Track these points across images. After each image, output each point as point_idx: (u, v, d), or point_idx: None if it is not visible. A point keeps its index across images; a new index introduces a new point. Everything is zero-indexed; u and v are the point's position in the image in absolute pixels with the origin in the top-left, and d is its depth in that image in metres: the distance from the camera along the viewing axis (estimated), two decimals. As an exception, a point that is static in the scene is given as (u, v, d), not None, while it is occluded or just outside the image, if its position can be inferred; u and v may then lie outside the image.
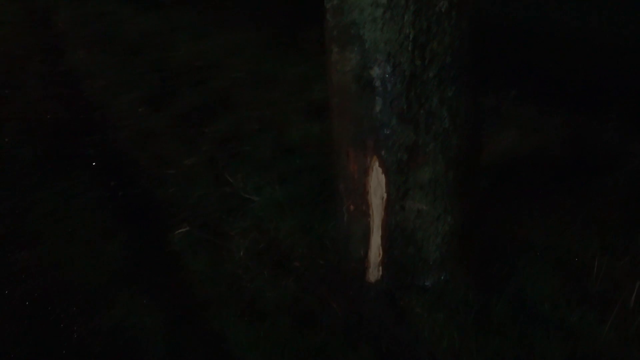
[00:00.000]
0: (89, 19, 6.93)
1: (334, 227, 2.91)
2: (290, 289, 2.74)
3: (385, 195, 2.52)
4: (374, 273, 2.62)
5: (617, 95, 4.55)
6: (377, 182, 2.52)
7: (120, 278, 2.96)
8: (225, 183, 3.59)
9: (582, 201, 3.18)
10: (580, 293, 2.54)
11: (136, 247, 3.18)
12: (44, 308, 2.82)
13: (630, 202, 3.17)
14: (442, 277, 2.58)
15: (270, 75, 5.21)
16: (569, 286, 2.57)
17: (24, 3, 8.33)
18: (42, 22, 7.25)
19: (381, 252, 2.58)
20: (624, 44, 5.29)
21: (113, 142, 4.40)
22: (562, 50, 5.33)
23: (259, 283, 2.80)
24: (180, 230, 3.21)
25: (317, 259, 2.87)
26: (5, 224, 3.44)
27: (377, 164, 2.50)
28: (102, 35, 6.38)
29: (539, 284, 2.56)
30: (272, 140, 4.04)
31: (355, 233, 2.66)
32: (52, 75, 5.74)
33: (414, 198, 2.51)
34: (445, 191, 2.51)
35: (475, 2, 2.50)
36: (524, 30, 5.45)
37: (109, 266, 3.03)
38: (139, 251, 3.16)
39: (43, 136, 4.52)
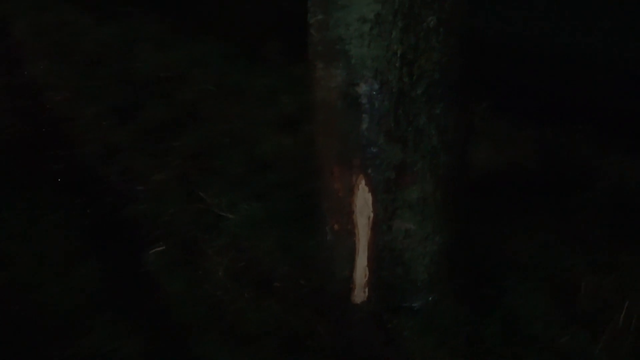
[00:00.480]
0: (49, 29, 6.75)
1: (315, 246, 2.84)
2: (273, 311, 2.66)
3: (372, 214, 2.46)
4: (360, 294, 2.57)
5: (589, 108, 4.57)
6: (363, 201, 2.46)
7: (94, 301, 2.84)
8: (198, 199, 3.49)
9: (562, 217, 3.16)
10: (570, 312, 2.52)
11: (109, 268, 3.07)
12: (13, 335, 2.69)
13: (609, 218, 3.16)
14: (431, 299, 2.54)
15: (238, 87, 5.13)
16: (559, 305, 2.54)
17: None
18: (1, 32, 7.05)
19: (367, 273, 2.52)
20: (595, 57, 5.32)
21: (78, 157, 4.27)
22: (533, 62, 5.35)
23: (240, 305, 2.72)
24: (155, 250, 3.11)
25: (300, 279, 2.80)
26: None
27: (363, 182, 2.45)
28: (63, 46, 6.21)
29: (529, 304, 2.53)
30: (244, 155, 3.95)
31: (340, 253, 2.60)
32: (11, 87, 5.56)
33: (402, 217, 2.46)
34: (433, 210, 2.47)
35: (464, 18, 2.47)
36: (495, 43, 5.45)
37: (81, 289, 2.91)
38: (112, 272, 3.05)
39: (3, 152, 4.36)
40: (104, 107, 4.86)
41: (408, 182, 2.43)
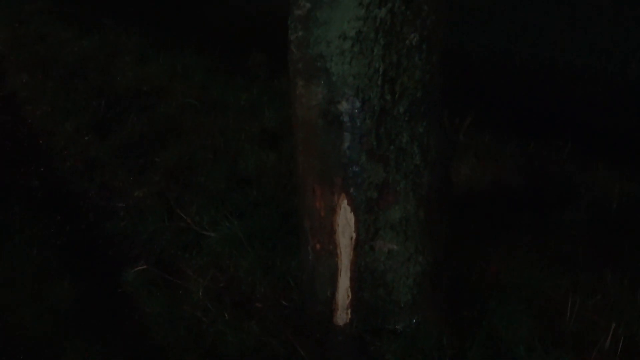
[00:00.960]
0: (29, 41, 6.69)
1: (296, 266, 2.79)
2: (253, 332, 2.61)
3: (354, 234, 2.42)
4: (342, 316, 2.52)
5: (572, 123, 4.57)
6: (345, 221, 2.42)
7: (68, 323, 2.77)
8: (178, 217, 3.43)
9: (545, 235, 3.14)
10: (555, 334, 2.48)
11: (84, 288, 3.00)
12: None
13: (592, 237, 3.13)
14: (414, 321, 2.49)
15: (220, 100, 5.07)
16: (543, 327, 2.50)
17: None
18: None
19: (350, 294, 2.48)
20: (578, 72, 5.34)
21: (57, 172, 4.21)
22: (515, 77, 5.35)
23: (219, 326, 2.66)
24: (135, 269, 3.05)
25: (281, 299, 2.75)
26: None
27: (345, 202, 2.40)
28: (43, 59, 6.15)
29: (512, 325, 2.49)
30: (226, 171, 3.90)
31: (321, 274, 2.55)
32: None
33: (384, 238, 2.41)
34: (416, 230, 2.43)
35: (446, 35, 2.44)
36: (478, 57, 5.46)
37: (55, 310, 2.83)
38: (87, 292, 2.98)
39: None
40: (84, 121, 4.79)
41: (390, 201, 2.39)
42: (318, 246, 2.53)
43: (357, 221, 2.40)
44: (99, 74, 5.70)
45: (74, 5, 8.27)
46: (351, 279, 2.46)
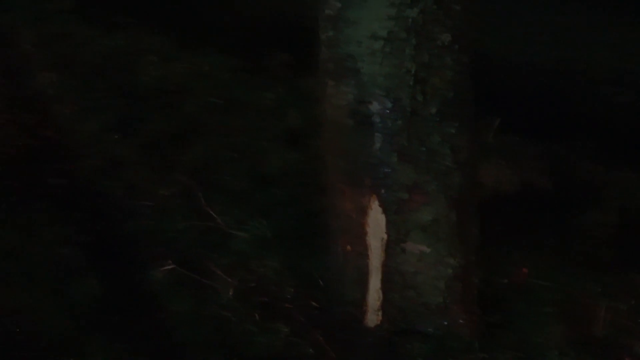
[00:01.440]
0: (53, 40, 6.71)
1: (325, 267, 2.78)
2: (283, 333, 2.60)
3: (384, 236, 2.41)
4: (373, 318, 2.51)
5: (597, 124, 4.53)
6: (375, 223, 2.41)
7: (93, 321, 2.74)
8: (205, 216, 3.43)
9: (572, 237, 3.12)
10: (586, 340, 2.46)
11: (110, 287, 2.99)
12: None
13: (621, 239, 3.11)
14: (445, 323, 2.48)
15: (243, 100, 5.07)
16: (574, 332, 2.48)
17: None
18: (4, 42, 7.00)
19: (380, 296, 2.47)
20: (604, 73, 5.30)
21: (82, 171, 4.21)
22: (540, 78, 5.32)
23: (248, 326, 2.65)
24: (162, 268, 3.04)
25: (310, 300, 2.74)
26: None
27: (375, 203, 2.40)
28: (66, 57, 6.16)
29: (543, 330, 2.47)
30: (250, 170, 3.89)
31: (351, 275, 2.54)
32: (14, 98, 5.51)
33: (415, 239, 2.40)
34: (447, 232, 2.42)
35: (476, 35, 2.42)
36: (502, 59, 5.42)
37: (79, 308, 2.80)
38: (112, 291, 2.97)
39: (2, 165, 4.28)
40: (108, 120, 4.79)
41: (421, 203, 2.38)
42: (348, 247, 2.53)
43: (387, 222, 2.40)
44: (123, 73, 5.71)
45: (97, 4, 8.28)
46: (382, 281, 2.45)
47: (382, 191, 2.37)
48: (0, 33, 7.51)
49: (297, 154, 3.97)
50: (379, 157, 2.35)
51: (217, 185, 3.78)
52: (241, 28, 7.33)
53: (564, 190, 3.61)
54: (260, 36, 6.82)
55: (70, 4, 8.15)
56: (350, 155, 2.44)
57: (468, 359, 2.35)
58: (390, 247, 2.41)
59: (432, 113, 2.33)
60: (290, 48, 5.61)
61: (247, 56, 6.03)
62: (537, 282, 2.71)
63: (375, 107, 2.34)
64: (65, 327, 2.72)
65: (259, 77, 5.48)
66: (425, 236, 2.40)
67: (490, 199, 3.30)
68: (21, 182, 4.03)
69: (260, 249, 3.05)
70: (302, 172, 3.75)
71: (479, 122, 2.46)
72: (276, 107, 4.80)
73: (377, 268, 2.45)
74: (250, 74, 5.62)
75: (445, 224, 2.41)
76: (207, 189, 3.74)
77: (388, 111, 2.32)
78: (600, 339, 2.46)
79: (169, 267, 3.03)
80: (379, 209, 2.39)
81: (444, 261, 2.43)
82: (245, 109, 4.92)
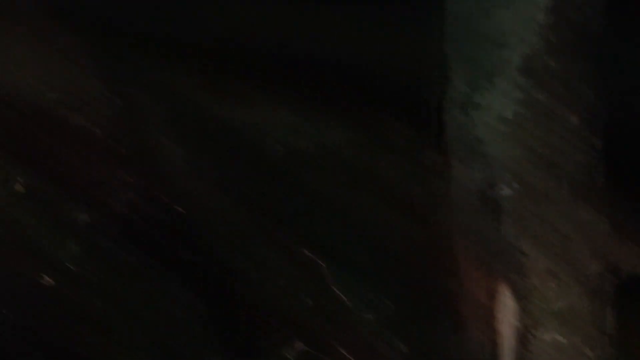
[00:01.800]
0: (184, 117, 7.02)
1: (454, 351, 2.73)
2: None
3: (516, 323, 2.35)
4: (505, 407, 2.44)
5: None
6: (506, 310, 2.36)
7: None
8: (330, 294, 3.44)
9: None
10: None
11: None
12: None
13: None
14: (586, 418, 2.38)
15: (367, 175, 5.10)
16: None
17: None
18: (138, 119, 7.38)
19: (512, 386, 2.40)
20: None
21: (205, 243, 4.33)
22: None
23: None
24: (294, 348, 3.06)
25: (438, 387, 2.69)
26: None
27: (506, 289, 2.35)
28: (196, 133, 6.42)
29: None
30: (376, 248, 3.89)
31: (481, 362, 2.49)
32: (149, 175, 5.77)
33: (548, 327, 2.33)
34: (581, 321, 2.33)
35: (609, 116, 2.37)
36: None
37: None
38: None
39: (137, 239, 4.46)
40: (233, 196, 4.94)
41: (554, 289, 2.31)
42: (477, 333, 2.48)
43: (518, 309, 2.34)
44: (251, 150, 5.87)
45: (223, 77, 8.60)
46: (514, 369, 2.39)
47: (513, 277, 2.33)
48: (135, 110, 7.93)
49: (423, 233, 3.94)
50: (509, 242, 2.32)
51: (342, 262, 3.80)
52: (365, 100, 7.44)
53: None
54: (384, 109, 6.91)
55: (197, 80, 8.53)
56: (478, 239, 2.41)
57: None
58: (522, 335, 2.35)
59: (564, 197, 2.28)
60: (413, 122, 5.66)
61: (369, 128, 6.11)
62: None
63: (505, 191, 2.31)
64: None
65: (378, 151, 5.52)
66: (557, 324, 2.33)
67: (629, 286, 3.16)
68: (154, 257, 4.19)
69: (387, 331, 3.02)
70: (428, 252, 3.72)
71: (615, 207, 2.38)
72: (400, 183, 4.80)
73: (509, 356, 2.38)
74: (373, 146, 5.68)
75: (579, 312, 2.33)
76: (332, 265, 3.77)
77: (518, 195, 2.29)
78: None
79: (304, 349, 3.05)
80: (510, 296, 2.34)
81: (579, 351, 2.35)
82: (369, 183, 4.96)
